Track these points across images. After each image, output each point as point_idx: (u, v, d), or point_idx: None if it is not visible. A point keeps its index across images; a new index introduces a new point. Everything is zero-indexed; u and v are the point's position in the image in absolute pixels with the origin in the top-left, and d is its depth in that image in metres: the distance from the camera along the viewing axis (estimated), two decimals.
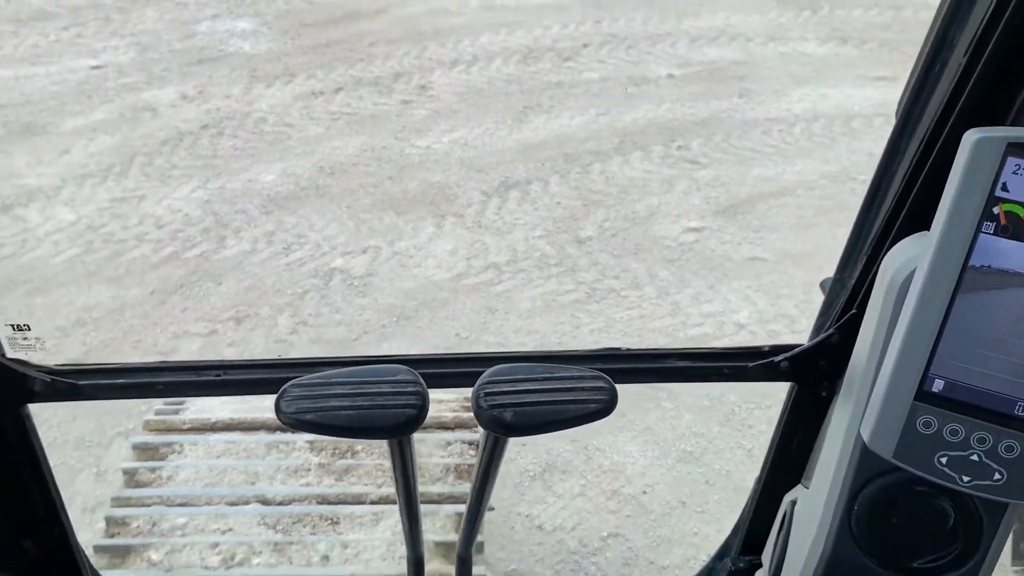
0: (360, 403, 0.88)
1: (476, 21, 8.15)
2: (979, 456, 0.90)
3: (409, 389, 0.90)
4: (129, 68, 7.09)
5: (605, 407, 0.93)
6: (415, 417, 0.89)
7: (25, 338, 1.27)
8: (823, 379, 1.25)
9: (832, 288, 1.27)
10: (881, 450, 0.94)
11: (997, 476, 0.90)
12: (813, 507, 1.15)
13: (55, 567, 1.44)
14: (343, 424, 0.88)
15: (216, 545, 2.07)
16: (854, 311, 1.17)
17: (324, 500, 2.21)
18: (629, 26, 8.06)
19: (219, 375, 1.24)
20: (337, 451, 2.35)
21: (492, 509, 2.76)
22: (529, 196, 5.49)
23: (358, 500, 2.21)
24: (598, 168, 5.77)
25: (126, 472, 2.40)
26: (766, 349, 1.27)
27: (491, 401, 0.89)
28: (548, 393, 0.91)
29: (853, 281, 1.17)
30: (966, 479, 0.92)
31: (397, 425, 0.89)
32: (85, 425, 3.75)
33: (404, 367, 0.93)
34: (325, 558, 2.06)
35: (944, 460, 0.91)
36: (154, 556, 2.06)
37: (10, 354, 1.23)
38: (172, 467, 2.34)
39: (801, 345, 1.25)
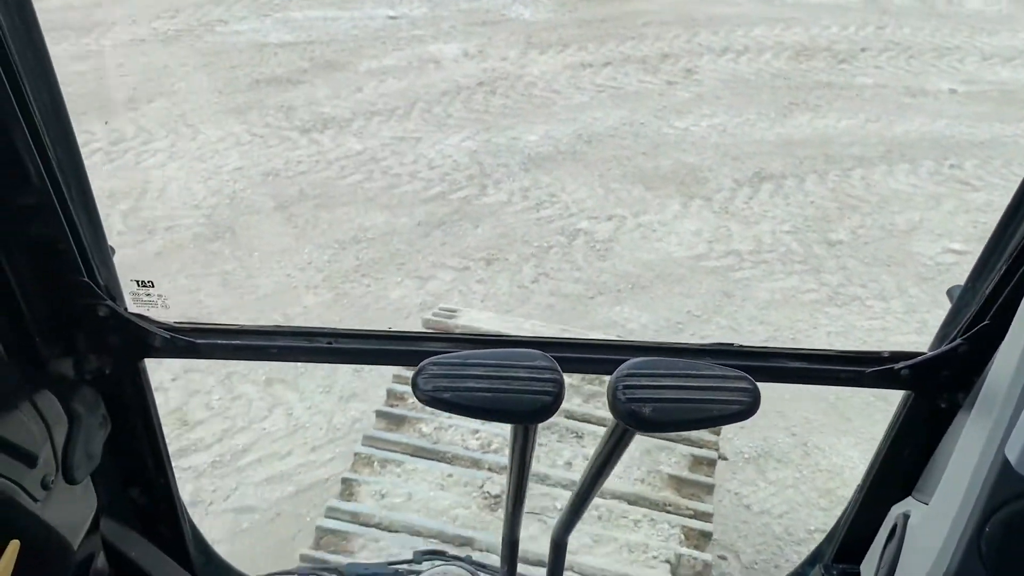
0: (497, 387, 0.87)
1: (752, 13, 8.07)
2: None
3: (546, 375, 0.88)
4: (421, 22, 7.71)
5: (747, 408, 0.88)
6: (550, 404, 0.87)
7: (148, 295, 1.29)
8: (945, 390, 1.20)
9: (962, 296, 1.21)
10: None
11: None
12: (935, 524, 1.08)
13: (158, 517, 1.50)
14: (479, 406, 0.87)
15: (476, 432, 2.37)
16: (987, 322, 1.11)
17: (571, 416, 2.45)
18: (914, 36, 7.65)
19: (330, 343, 1.25)
20: (584, 377, 2.57)
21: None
22: (782, 191, 5.44)
23: (600, 422, 2.42)
24: (859, 174, 5.60)
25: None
26: (886, 355, 1.23)
27: (630, 394, 0.86)
28: (689, 391, 0.87)
29: (988, 291, 1.11)
30: None
31: (533, 411, 0.87)
32: (375, 316, 4.26)
33: (540, 352, 0.91)
34: (568, 464, 2.28)
35: None
36: (424, 429, 2.40)
37: (132, 309, 1.25)
38: None
39: (923, 353, 1.20)
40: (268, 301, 4.45)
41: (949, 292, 1.26)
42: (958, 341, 1.16)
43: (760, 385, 0.90)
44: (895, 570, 1.18)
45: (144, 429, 1.37)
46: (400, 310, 4.41)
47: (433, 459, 2.34)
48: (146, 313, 1.24)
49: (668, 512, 2.18)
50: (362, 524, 2.16)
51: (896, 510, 1.27)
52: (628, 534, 2.06)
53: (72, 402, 1.19)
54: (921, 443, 1.26)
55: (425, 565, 1.82)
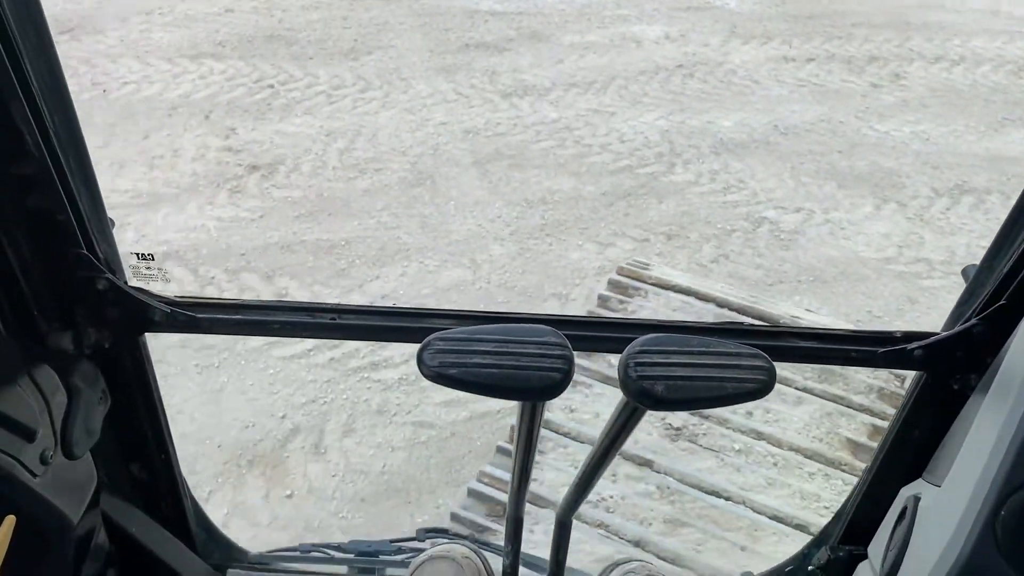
0: (505, 363, 0.85)
1: (972, 23, 7.68)
2: None
3: (555, 352, 0.86)
4: (626, 2, 7.85)
5: (763, 387, 0.85)
6: (560, 381, 0.85)
7: (148, 267, 1.27)
8: (958, 371, 1.16)
9: (977, 276, 1.16)
10: None
11: None
12: (948, 507, 1.06)
13: (159, 492, 1.50)
14: (486, 383, 0.85)
15: None
16: (1003, 302, 1.08)
17: None
18: None
19: (334, 318, 1.23)
20: None
21: None
22: (984, 205, 5.23)
23: (785, 382, 2.52)
24: None
25: (601, 297, 2.96)
26: (898, 335, 1.20)
27: (641, 372, 0.83)
28: (702, 368, 0.85)
29: (1006, 270, 1.07)
30: None
31: (542, 388, 0.84)
32: (556, 274, 4.52)
33: (550, 328, 0.89)
34: (749, 413, 2.41)
35: None
36: (613, 360, 2.61)
37: (132, 283, 1.22)
38: (635, 304, 2.86)
39: (936, 333, 1.17)
40: (459, 245, 4.77)
41: (964, 271, 1.22)
42: (973, 321, 1.13)
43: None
44: (905, 553, 1.16)
45: (144, 404, 1.35)
46: (578, 271, 4.61)
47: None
48: (146, 287, 1.21)
49: (843, 471, 2.26)
50: (552, 430, 2.37)
51: (906, 492, 1.24)
52: (802, 483, 2.16)
53: (71, 377, 1.17)
54: (933, 425, 1.23)
55: (428, 543, 1.82)
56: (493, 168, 5.48)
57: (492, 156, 5.60)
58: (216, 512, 3.24)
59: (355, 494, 3.41)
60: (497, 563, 1.37)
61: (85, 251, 1.11)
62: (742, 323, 1.22)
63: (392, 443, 3.66)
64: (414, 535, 1.88)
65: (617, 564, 1.32)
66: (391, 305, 1.32)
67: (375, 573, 1.79)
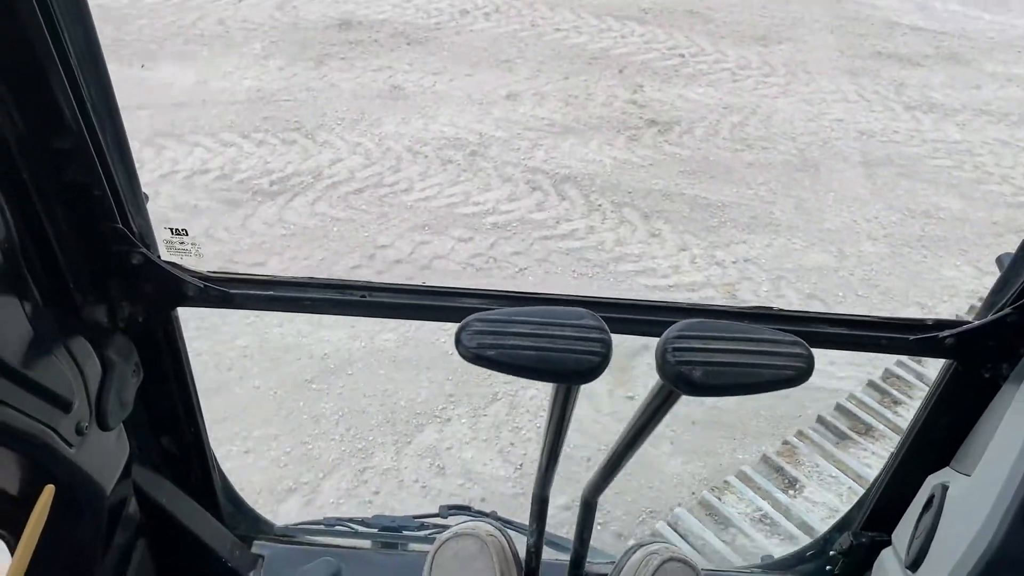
0: (543, 345, 0.85)
1: None
2: None
3: (593, 335, 0.85)
4: None
5: (801, 374, 0.84)
6: (598, 365, 0.84)
7: (182, 243, 1.26)
8: (989, 360, 1.13)
9: (1012, 265, 1.11)
10: None
11: None
12: (977, 496, 1.04)
13: (188, 463, 1.52)
14: (525, 364, 0.85)
15: None
16: None
17: None
18: None
19: (364, 296, 1.23)
20: None
21: None
22: None
23: None
24: None
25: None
26: (930, 323, 1.16)
27: (679, 357, 0.82)
28: (741, 355, 0.83)
29: None
30: None
31: (580, 371, 0.84)
32: (929, 286, 4.52)
33: (588, 311, 0.88)
34: None
35: None
36: None
37: (166, 257, 1.22)
38: None
39: (969, 322, 1.13)
40: (830, 234, 4.89)
41: (999, 260, 1.17)
42: (1007, 311, 1.11)
43: None
44: (932, 541, 1.14)
45: (176, 377, 1.37)
46: (949, 288, 4.53)
47: None
48: (179, 262, 1.22)
49: None
50: None
51: (933, 480, 1.23)
52: None
53: (106, 349, 1.18)
54: (962, 414, 1.21)
55: (452, 519, 1.84)
56: (880, 172, 5.47)
57: (882, 160, 5.59)
58: None
59: None
60: (521, 542, 1.37)
61: (120, 225, 1.12)
62: (771, 308, 1.21)
63: None
64: (437, 512, 1.93)
65: (640, 545, 1.32)
66: (421, 284, 1.26)
67: (398, 547, 1.83)
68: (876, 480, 1.49)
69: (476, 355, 0.85)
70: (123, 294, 1.20)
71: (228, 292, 1.22)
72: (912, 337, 1.17)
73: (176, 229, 1.26)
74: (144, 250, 1.16)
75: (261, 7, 7.12)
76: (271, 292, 1.23)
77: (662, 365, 0.83)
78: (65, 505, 1.13)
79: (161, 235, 1.24)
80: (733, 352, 0.83)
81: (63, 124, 0.98)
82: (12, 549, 1.16)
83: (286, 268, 4.43)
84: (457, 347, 0.85)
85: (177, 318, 1.30)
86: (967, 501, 1.10)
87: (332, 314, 1.26)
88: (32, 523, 1.08)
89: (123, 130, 1.09)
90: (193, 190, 5.04)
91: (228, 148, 5.42)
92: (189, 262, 1.23)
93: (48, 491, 1.10)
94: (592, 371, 0.84)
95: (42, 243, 1.06)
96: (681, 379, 0.82)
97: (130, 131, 1.10)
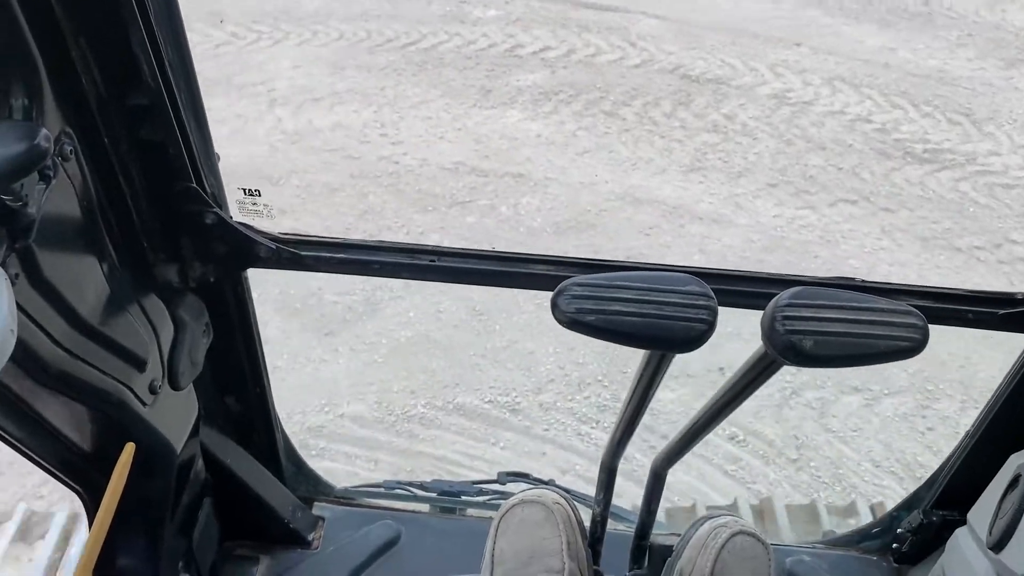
0: (647, 311, 0.81)
1: None
2: None
3: (700, 302, 0.82)
4: None
5: (916, 346, 0.81)
6: (704, 332, 0.81)
7: (255, 203, 1.25)
8: None
9: None
10: None
11: None
12: None
13: (252, 425, 1.53)
14: (627, 331, 0.82)
15: None
16: None
17: None
18: None
19: (433, 260, 1.21)
20: None
21: None
22: None
23: None
24: None
25: None
26: (1019, 296, 1.11)
27: (789, 326, 0.78)
28: (854, 325, 0.80)
29: None
30: None
31: (686, 339, 0.81)
32: None
33: (693, 277, 0.85)
34: None
35: None
36: None
37: (238, 218, 1.22)
38: None
39: None
40: None
41: None
42: None
43: None
44: (1020, 523, 1.11)
45: (243, 339, 1.38)
46: None
47: None
48: (251, 223, 1.21)
49: None
50: None
51: (1017, 460, 1.19)
52: None
53: (178, 309, 1.19)
54: None
55: (511, 486, 1.84)
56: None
57: None
58: None
59: None
60: (583, 512, 1.35)
61: (194, 184, 1.12)
62: (853, 279, 1.17)
63: None
64: (495, 478, 1.91)
65: (708, 518, 1.30)
66: (490, 248, 1.47)
67: (456, 512, 1.83)
68: (950, 458, 1.45)
69: (574, 320, 0.82)
70: (196, 254, 1.19)
71: (299, 254, 1.21)
72: (1000, 311, 1.13)
73: (249, 189, 1.25)
74: (217, 210, 1.16)
75: None
76: (342, 255, 1.22)
77: (769, 334, 0.79)
78: (140, 463, 1.14)
79: (234, 196, 1.24)
80: (845, 322, 0.80)
81: (141, 81, 0.98)
82: (87, 504, 1.20)
83: None
84: (553, 312, 0.82)
85: (246, 279, 1.30)
86: None
87: (403, 278, 1.26)
88: (114, 480, 1.09)
89: (198, 90, 1.08)
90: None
91: None
92: (262, 224, 1.23)
93: (129, 449, 1.11)
94: (697, 339, 0.82)
95: (117, 201, 1.05)
96: (791, 349, 0.78)
97: None
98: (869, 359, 0.81)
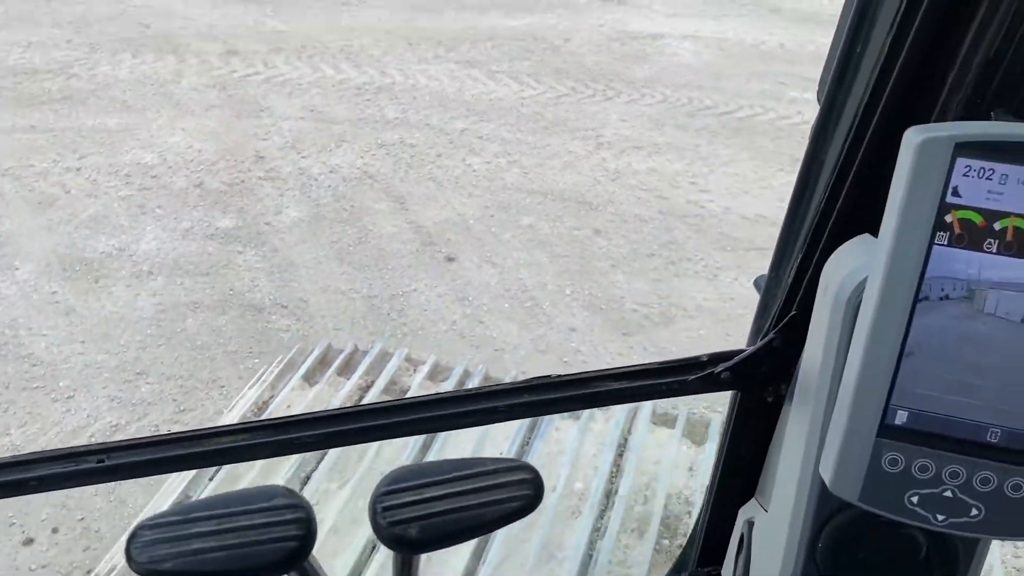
0: (229, 541, 0.75)
1: None
2: (953, 492, 0.80)
3: (288, 516, 0.76)
4: None
5: (529, 502, 0.79)
6: (297, 549, 0.75)
7: None
8: (767, 384, 1.12)
9: (768, 288, 1.11)
10: (845, 494, 0.82)
11: (974, 512, 0.79)
12: (773, 533, 1.03)
13: None
14: (213, 569, 0.75)
15: None
16: (794, 312, 1.05)
17: None
18: None
19: (101, 460, 0.95)
20: None
21: None
22: None
23: None
24: None
25: None
26: (704, 359, 1.14)
27: (391, 516, 0.74)
28: (460, 497, 0.76)
29: (791, 280, 1.04)
30: (940, 518, 0.80)
31: (276, 562, 0.75)
32: None
33: (280, 488, 0.79)
34: None
35: (915, 499, 0.81)
36: None
37: None
38: None
39: (741, 351, 1.12)
40: None
41: (755, 283, 1.15)
42: (771, 335, 1.09)
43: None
44: None
45: None
46: None
47: None
48: None
49: None
50: None
51: (743, 515, 1.23)
52: None
53: None
54: (756, 440, 1.19)
55: None
56: None
57: None
58: None
59: None
60: None
61: None
62: (549, 376, 1.09)
63: None
64: None
65: None
66: (166, 432, 1.35)
67: None
68: (698, 517, 1.46)
69: (150, 571, 0.75)
70: None
71: None
72: (691, 377, 1.14)
73: None
74: None
75: None
76: None
77: (376, 529, 0.77)
78: None
79: None
80: (451, 497, 0.78)
81: None
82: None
83: None
84: (128, 562, 0.75)
85: None
86: (767, 538, 1.10)
87: (67, 488, 0.99)
88: None
89: None
90: None
91: None
92: None
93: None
94: (291, 558, 0.76)
95: None
96: (398, 542, 0.76)
97: None
98: (481, 530, 0.80)
